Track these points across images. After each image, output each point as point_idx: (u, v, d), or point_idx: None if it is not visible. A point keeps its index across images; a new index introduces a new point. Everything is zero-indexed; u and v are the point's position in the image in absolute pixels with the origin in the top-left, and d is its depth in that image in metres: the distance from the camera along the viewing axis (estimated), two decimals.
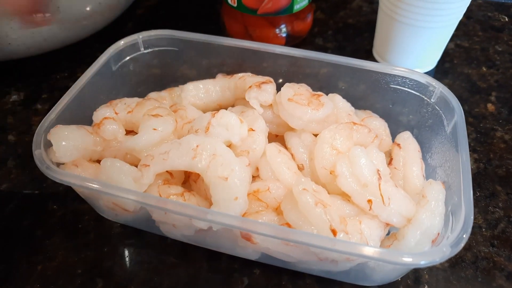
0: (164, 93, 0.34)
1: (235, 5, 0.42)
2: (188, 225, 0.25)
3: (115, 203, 0.26)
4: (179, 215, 0.23)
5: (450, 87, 0.43)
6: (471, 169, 0.35)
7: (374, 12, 0.43)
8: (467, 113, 0.40)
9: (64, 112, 0.28)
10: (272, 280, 0.28)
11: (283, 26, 0.44)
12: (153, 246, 0.30)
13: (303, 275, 0.28)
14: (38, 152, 0.25)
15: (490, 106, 0.41)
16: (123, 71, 0.34)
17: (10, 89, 0.42)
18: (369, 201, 0.25)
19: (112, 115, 0.30)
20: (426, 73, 0.44)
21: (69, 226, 0.31)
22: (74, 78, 0.43)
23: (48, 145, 0.27)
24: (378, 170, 0.26)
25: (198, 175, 0.27)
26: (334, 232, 0.23)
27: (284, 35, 0.45)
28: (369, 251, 0.21)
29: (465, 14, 0.47)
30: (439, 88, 0.30)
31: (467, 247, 0.30)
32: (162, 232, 0.28)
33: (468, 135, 0.38)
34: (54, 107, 0.28)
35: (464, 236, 0.21)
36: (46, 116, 0.27)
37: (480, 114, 0.40)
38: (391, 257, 0.21)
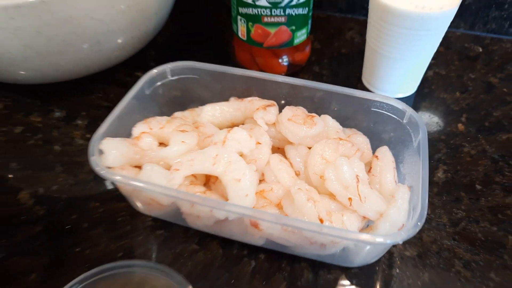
0: (186, 113, 0.42)
1: (245, 38, 0.50)
2: (209, 216, 0.32)
3: (152, 199, 0.33)
4: (203, 206, 0.30)
5: (427, 109, 0.51)
6: (441, 178, 0.42)
7: (365, 43, 0.51)
8: (441, 132, 0.48)
9: (110, 127, 0.36)
10: (274, 263, 0.35)
11: (285, 56, 0.52)
12: (178, 235, 0.37)
13: (298, 258, 0.35)
14: (93, 158, 0.32)
15: (460, 126, 0.48)
16: (154, 94, 0.42)
17: (54, 107, 0.50)
18: (350, 199, 0.32)
19: (147, 130, 0.37)
20: (407, 97, 0.52)
21: (109, 220, 0.38)
22: (107, 98, 0.51)
23: (98, 153, 0.34)
24: (357, 176, 0.33)
25: (216, 178, 0.34)
26: (321, 221, 0.30)
27: (285, 63, 0.52)
28: (348, 234, 0.28)
29: (444, 45, 0.55)
30: (409, 111, 0.38)
31: (433, 241, 0.37)
32: (187, 224, 0.36)
33: (440, 150, 0.45)
34: (102, 123, 0.35)
35: (418, 223, 0.28)
36: (97, 131, 0.35)
37: (452, 132, 0.48)
38: (364, 238, 0.28)
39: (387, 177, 0.35)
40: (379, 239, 0.28)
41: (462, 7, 0.61)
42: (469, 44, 0.61)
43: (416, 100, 0.52)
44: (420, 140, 0.35)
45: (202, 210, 0.32)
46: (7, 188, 0.41)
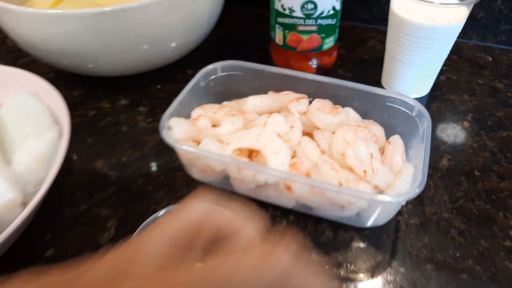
0: (233, 103, 0.51)
1: (281, 44, 0.59)
2: (252, 181, 0.41)
3: (207, 166, 0.42)
4: (249, 170, 0.39)
5: (438, 108, 0.58)
6: (444, 165, 0.50)
7: (384, 50, 0.59)
8: (448, 127, 0.55)
9: (174, 110, 0.45)
10: (301, 223, 0.43)
11: (314, 60, 0.60)
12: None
13: (321, 220, 0.43)
14: (164, 132, 0.42)
15: (466, 124, 0.56)
16: (207, 86, 0.51)
17: (120, 96, 0.60)
18: (364, 171, 0.40)
19: (203, 114, 0.46)
20: (419, 98, 0.59)
21: (169, 185, 0.48)
22: (164, 91, 0.61)
23: (166, 129, 0.43)
24: (371, 154, 0.41)
25: (258, 152, 0.43)
26: (341, 184, 0.38)
27: (315, 66, 0.61)
28: (362, 194, 0.36)
29: (457, 54, 0.62)
30: (418, 105, 0.45)
31: (434, 213, 0.45)
32: (232, 188, 0.44)
33: (446, 142, 0.53)
34: (170, 106, 0.45)
35: (417, 190, 0.36)
36: (165, 112, 0.44)
37: (458, 129, 0.55)
38: (375, 197, 0.36)
39: (397, 157, 0.43)
40: (387, 198, 0.36)
41: (474, 20, 0.68)
42: (480, 54, 0.69)
43: (428, 101, 0.60)
44: (425, 128, 0.43)
45: (247, 174, 0.41)
46: (87, 157, 0.51)
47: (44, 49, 0.53)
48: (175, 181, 0.48)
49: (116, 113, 0.58)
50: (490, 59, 0.67)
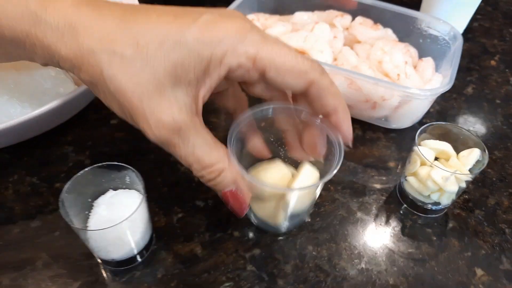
0: (282, 17, 0.56)
1: None
2: None
3: None
4: None
5: (469, 48, 0.62)
6: (469, 92, 0.54)
7: None
8: (476, 64, 0.59)
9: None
10: None
11: None
12: None
13: (353, 120, 0.48)
14: None
15: (493, 62, 0.60)
16: (259, 2, 0.56)
17: None
18: (398, 75, 0.45)
19: (256, 19, 0.52)
20: None
21: None
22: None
23: None
24: (406, 61, 0.46)
25: (304, 52, 0.48)
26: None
27: None
28: (395, 85, 0.41)
29: (493, 6, 0.66)
30: (452, 30, 0.50)
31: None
32: None
33: (473, 74, 0.57)
34: (230, 6, 0.50)
35: (445, 88, 0.41)
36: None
37: (485, 66, 0.59)
38: (408, 90, 0.41)
39: (428, 70, 0.48)
40: (417, 91, 0.41)
41: None
42: None
43: None
44: (456, 49, 0.47)
45: None
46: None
47: None
48: None
49: None
50: None
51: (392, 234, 0.38)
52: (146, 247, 0.35)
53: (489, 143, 0.48)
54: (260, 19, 0.52)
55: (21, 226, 0.37)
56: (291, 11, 0.56)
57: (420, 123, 0.49)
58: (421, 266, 0.36)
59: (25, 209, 0.38)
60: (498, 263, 0.37)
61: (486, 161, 0.36)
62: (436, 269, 0.36)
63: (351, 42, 0.52)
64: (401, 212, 0.40)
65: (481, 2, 0.59)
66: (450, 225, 0.39)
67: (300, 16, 0.54)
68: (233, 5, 0.50)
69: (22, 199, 0.39)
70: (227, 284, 0.34)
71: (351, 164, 0.44)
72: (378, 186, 0.42)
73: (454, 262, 0.36)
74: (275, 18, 0.52)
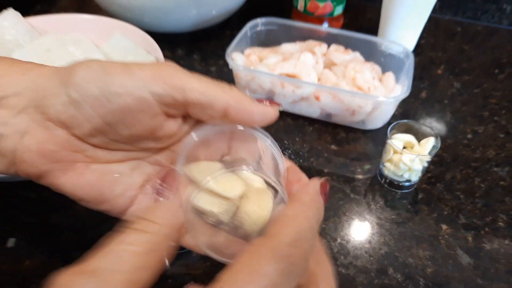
0: (272, 48, 0.69)
1: (302, 10, 0.77)
2: (291, 95, 0.59)
3: (258, 85, 0.60)
4: (291, 83, 0.57)
5: (420, 62, 0.77)
6: (423, 96, 0.69)
7: (378, 22, 0.78)
8: (426, 73, 0.74)
9: (234, 47, 0.63)
10: (322, 128, 0.62)
11: (326, 23, 0.79)
12: None
13: (338, 125, 0.62)
14: (229, 59, 0.59)
15: (439, 71, 0.75)
16: (251, 35, 0.69)
17: (177, 48, 0.77)
18: (369, 87, 0.59)
19: (252, 52, 0.64)
20: None
21: None
22: (209, 44, 0.78)
23: (230, 58, 0.61)
24: (373, 77, 0.60)
25: (296, 76, 0.61)
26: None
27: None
28: (368, 96, 0.55)
29: (434, 24, 0.81)
30: (405, 50, 0.64)
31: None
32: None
33: (424, 82, 0.72)
34: (230, 44, 0.62)
35: (403, 95, 0.55)
36: (229, 47, 0.62)
37: (434, 74, 0.74)
38: (378, 98, 0.54)
39: (390, 82, 0.62)
40: (384, 99, 0.54)
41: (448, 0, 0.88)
42: (452, 26, 0.88)
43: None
44: (409, 65, 0.61)
45: (288, 90, 0.59)
46: None
47: (126, 6, 0.70)
48: None
49: (175, 60, 0.75)
50: (459, 29, 0.87)
51: (378, 207, 0.51)
52: None
53: (442, 133, 0.62)
54: (255, 52, 0.65)
55: None
56: (278, 43, 0.70)
57: (389, 123, 0.62)
58: (402, 227, 0.49)
59: None
60: (457, 219, 0.50)
61: (439, 145, 0.49)
62: (413, 227, 0.49)
63: (329, 65, 0.66)
64: (383, 190, 0.53)
65: (426, 23, 0.75)
66: (420, 196, 0.53)
67: (286, 47, 0.68)
68: (233, 43, 0.63)
69: None
70: None
71: (341, 159, 0.57)
72: (363, 173, 0.55)
73: (425, 222, 0.49)
74: (268, 50, 0.65)
